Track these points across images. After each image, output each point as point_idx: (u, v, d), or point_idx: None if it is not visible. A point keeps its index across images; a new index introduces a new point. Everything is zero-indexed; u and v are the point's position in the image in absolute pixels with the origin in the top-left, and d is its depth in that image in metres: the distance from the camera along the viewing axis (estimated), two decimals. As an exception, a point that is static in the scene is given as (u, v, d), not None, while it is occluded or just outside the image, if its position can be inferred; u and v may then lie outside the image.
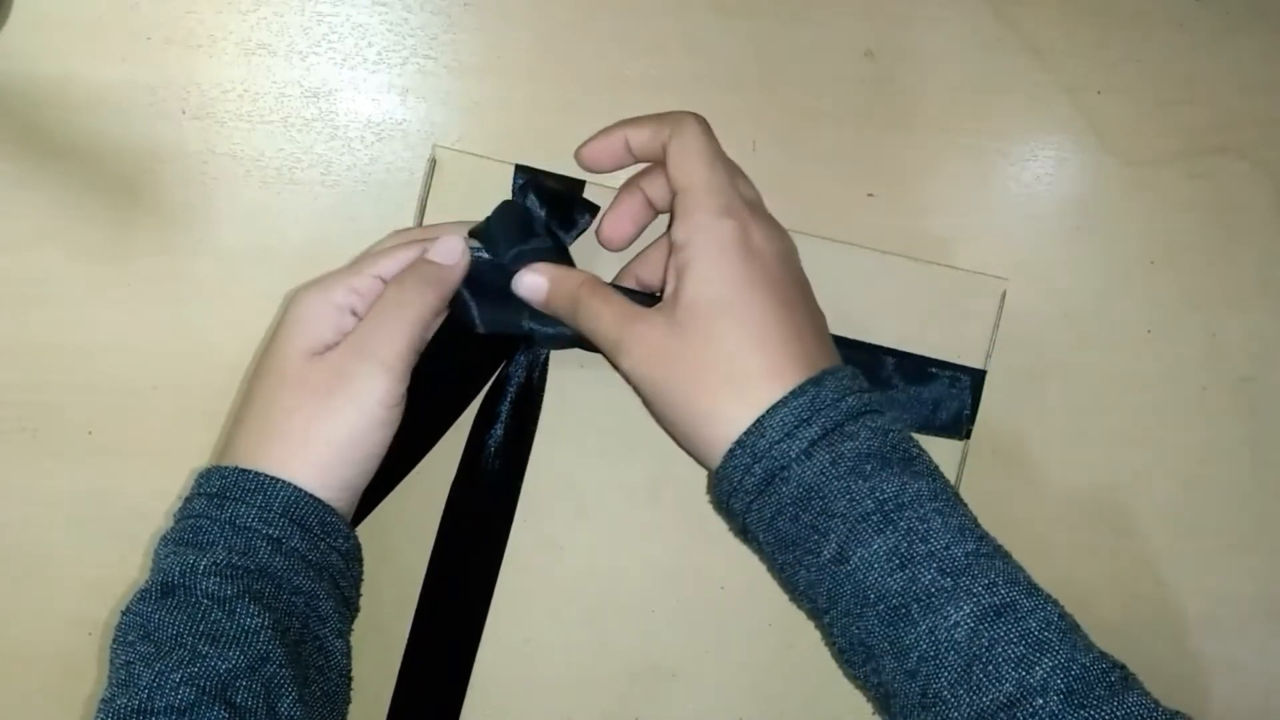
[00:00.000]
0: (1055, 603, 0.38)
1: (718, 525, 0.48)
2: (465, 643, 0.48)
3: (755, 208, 0.44)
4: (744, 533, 0.43)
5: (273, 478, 0.40)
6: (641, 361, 0.42)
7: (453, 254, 0.44)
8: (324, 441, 0.41)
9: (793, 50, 0.52)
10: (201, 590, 0.38)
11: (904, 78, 0.52)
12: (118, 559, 0.50)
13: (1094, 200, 0.53)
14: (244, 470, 0.40)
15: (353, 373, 0.42)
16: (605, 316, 0.43)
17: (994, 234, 0.53)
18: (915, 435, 0.42)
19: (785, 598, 0.48)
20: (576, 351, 0.48)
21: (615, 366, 0.43)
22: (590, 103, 0.51)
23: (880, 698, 0.40)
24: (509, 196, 0.48)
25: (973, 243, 0.52)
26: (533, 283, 0.45)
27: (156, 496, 0.50)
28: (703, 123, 0.45)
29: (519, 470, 0.48)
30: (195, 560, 0.38)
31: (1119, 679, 0.36)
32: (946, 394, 0.48)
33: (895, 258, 0.49)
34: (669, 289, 0.43)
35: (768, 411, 0.40)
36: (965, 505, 0.40)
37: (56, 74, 0.50)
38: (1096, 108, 0.53)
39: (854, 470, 0.39)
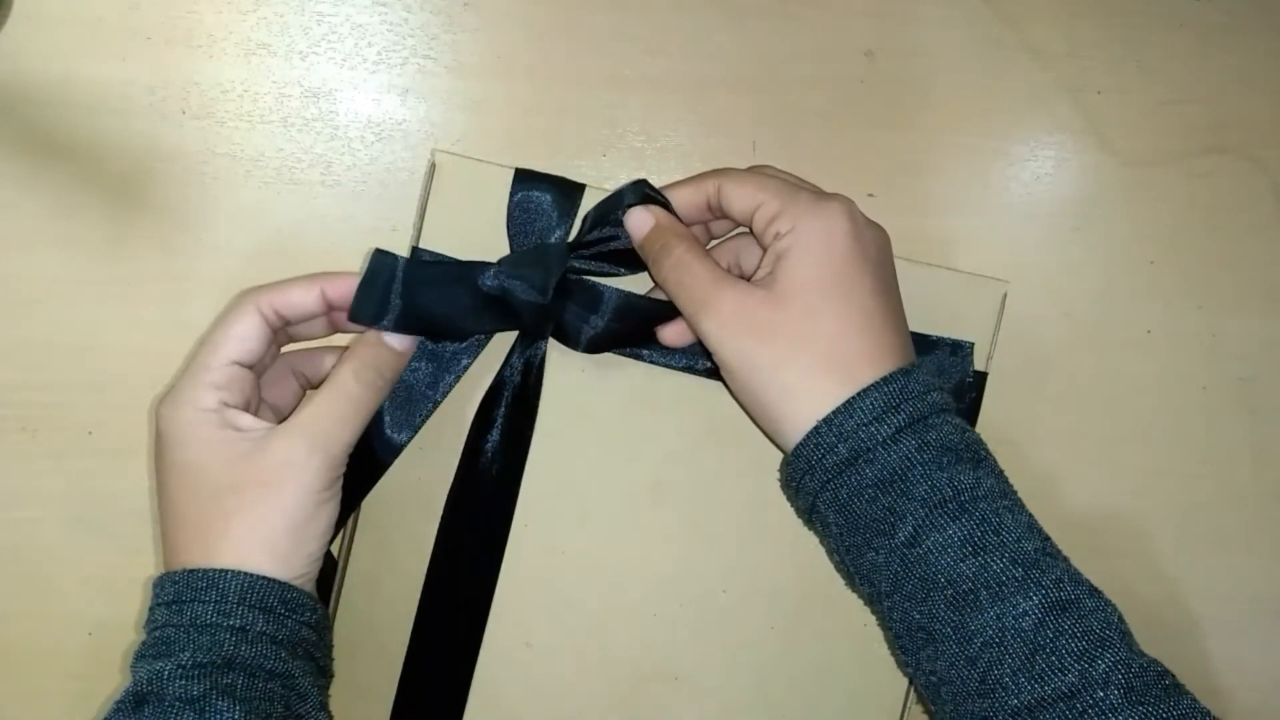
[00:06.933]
0: (1114, 607, 0.39)
1: (719, 528, 0.48)
2: (466, 648, 0.47)
3: None
4: (810, 511, 0.43)
5: (222, 570, 0.40)
6: (729, 326, 0.42)
7: (405, 340, 0.44)
8: (269, 531, 0.41)
9: (793, 50, 0.52)
10: (170, 694, 0.38)
11: (904, 78, 0.52)
12: (118, 559, 0.50)
13: (1094, 200, 0.53)
14: (192, 570, 0.40)
15: (297, 464, 0.41)
16: (698, 271, 0.43)
17: (994, 234, 0.53)
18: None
19: (787, 601, 0.48)
20: (578, 355, 0.48)
21: (695, 327, 0.43)
22: (590, 103, 0.51)
23: (930, 685, 0.41)
24: (508, 200, 0.47)
25: (973, 243, 0.52)
26: (641, 219, 0.45)
27: (156, 496, 0.50)
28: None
29: (517, 474, 0.47)
30: (163, 667, 0.38)
31: (1172, 683, 0.38)
32: (948, 362, 0.48)
33: (895, 260, 0.49)
34: (763, 271, 0.43)
35: (859, 394, 0.40)
36: (1027, 509, 0.41)
37: (56, 74, 0.50)
38: (1096, 108, 0.53)
39: (934, 460, 0.40)
